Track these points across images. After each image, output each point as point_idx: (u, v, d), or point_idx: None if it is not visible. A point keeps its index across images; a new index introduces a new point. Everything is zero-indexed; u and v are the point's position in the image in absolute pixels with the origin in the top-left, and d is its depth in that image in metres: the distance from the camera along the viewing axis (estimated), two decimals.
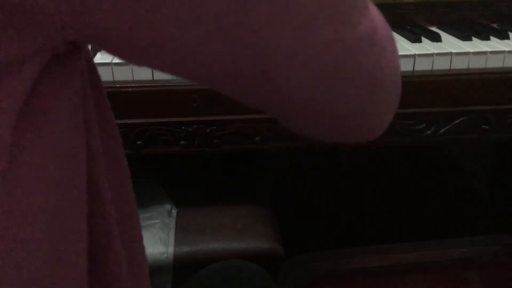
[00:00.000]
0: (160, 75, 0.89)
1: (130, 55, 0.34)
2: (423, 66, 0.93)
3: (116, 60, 0.89)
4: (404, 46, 0.96)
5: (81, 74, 0.36)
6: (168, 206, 1.02)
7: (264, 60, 0.33)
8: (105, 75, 0.87)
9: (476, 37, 1.00)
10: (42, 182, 0.32)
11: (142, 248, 0.48)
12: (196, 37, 0.31)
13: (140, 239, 0.47)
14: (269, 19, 0.32)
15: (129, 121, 0.89)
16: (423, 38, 1.00)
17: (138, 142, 0.90)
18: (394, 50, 0.40)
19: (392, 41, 0.40)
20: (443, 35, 1.02)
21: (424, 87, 0.92)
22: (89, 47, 0.38)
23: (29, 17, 0.29)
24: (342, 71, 0.36)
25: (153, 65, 0.35)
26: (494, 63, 0.94)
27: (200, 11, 0.30)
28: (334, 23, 0.34)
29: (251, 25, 0.31)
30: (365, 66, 0.36)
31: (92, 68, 0.40)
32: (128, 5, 0.30)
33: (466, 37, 0.99)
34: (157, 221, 0.98)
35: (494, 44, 0.97)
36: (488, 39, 0.99)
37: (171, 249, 0.92)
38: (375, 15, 0.38)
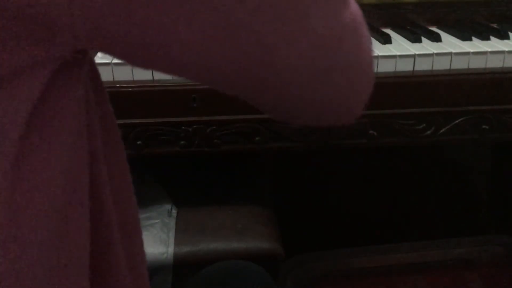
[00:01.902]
0: (160, 75, 0.89)
1: (137, 60, 0.36)
2: (423, 66, 0.93)
3: (116, 60, 0.89)
4: (404, 46, 0.96)
5: (85, 79, 0.37)
6: (168, 206, 1.02)
7: (264, 56, 0.35)
8: (105, 75, 0.87)
9: (476, 37, 1.00)
10: (47, 184, 0.33)
11: (142, 252, 0.48)
12: (201, 38, 0.33)
13: (140, 244, 0.48)
14: (270, 19, 0.34)
15: (129, 121, 0.89)
16: (423, 38, 1.00)
17: (138, 142, 0.90)
18: (367, 34, 0.43)
19: (365, 26, 0.43)
20: (443, 35, 1.02)
21: (424, 87, 0.92)
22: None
23: (44, 27, 0.29)
24: (331, 59, 0.38)
25: (158, 68, 0.37)
26: (494, 63, 0.94)
27: (206, 14, 0.32)
28: (325, 16, 0.36)
29: (253, 26, 0.33)
30: (349, 51, 0.39)
31: (95, 73, 0.41)
32: (140, 11, 0.31)
33: (466, 37, 0.99)
34: (157, 221, 0.98)
35: (494, 44, 0.97)
36: (488, 39, 0.99)
37: (171, 249, 0.92)
38: (353, 3, 0.41)
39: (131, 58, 0.36)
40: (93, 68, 0.40)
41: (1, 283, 0.31)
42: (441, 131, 0.94)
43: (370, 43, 0.43)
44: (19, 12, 0.29)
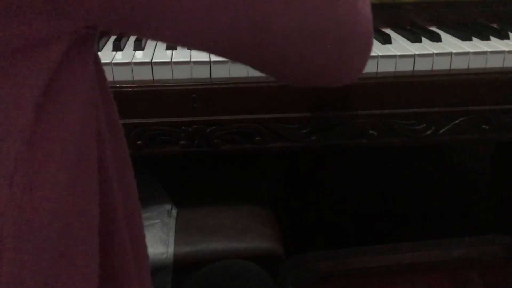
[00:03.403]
0: (160, 75, 0.89)
1: (144, 31, 0.37)
2: (423, 66, 0.93)
3: (116, 60, 0.89)
4: (404, 46, 0.96)
5: (94, 57, 0.39)
6: (168, 206, 1.02)
7: (261, 21, 0.37)
8: None
9: (476, 37, 1.00)
10: (60, 156, 0.34)
11: (142, 233, 0.49)
12: (204, 5, 0.35)
13: (142, 237, 0.48)
14: None
15: (129, 121, 0.89)
16: (423, 38, 1.00)
17: (138, 142, 0.90)
18: None
19: None
20: (443, 35, 1.02)
21: (424, 87, 0.92)
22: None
23: (61, 1, 0.31)
24: (324, 23, 0.40)
25: (164, 38, 0.39)
26: (494, 63, 0.94)
27: None
28: None
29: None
30: (343, 15, 0.41)
31: (97, 59, 0.42)
32: None
33: (466, 37, 0.99)
34: (157, 221, 0.98)
35: (494, 44, 0.97)
36: (488, 39, 0.99)
37: (171, 249, 0.92)
38: None
39: (138, 29, 0.37)
40: (96, 55, 0.42)
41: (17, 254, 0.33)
42: (441, 131, 0.94)
43: (367, 2, 0.44)
44: None
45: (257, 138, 0.92)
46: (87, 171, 0.38)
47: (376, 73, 0.92)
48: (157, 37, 0.38)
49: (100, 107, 0.41)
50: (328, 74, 0.45)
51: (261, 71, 0.45)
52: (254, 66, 0.44)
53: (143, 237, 0.49)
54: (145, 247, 0.49)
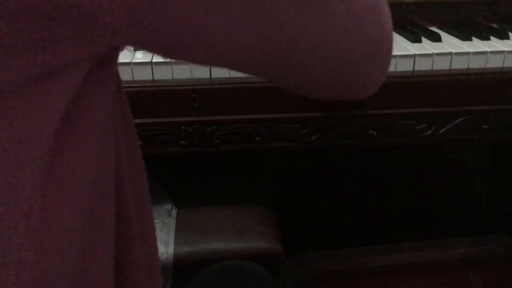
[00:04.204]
0: (160, 75, 0.89)
1: (170, 52, 0.37)
2: (423, 66, 0.93)
3: None
4: (404, 46, 0.96)
5: (115, 75, 0.38)
6: (168, 206, 1.02)
7: (287, 41, 0.37)
8: None
9: (476, 37, 1.00)
10: (78, 182, 0.34)
11: (155, 247, 0.49)
12: (231, 28, 0.34)
13: (154, 239, 0.49)
14: (293, 8, 0.35)
15: None
16: (423, 38, 1.00)
17: (138, 142, 0.90)
18: (387, 9, 0.43)
19: (385, 2, 0.43)
20: (443, 35, 1.02)
21: (424, 87, 0.92)
22: None
23: (87, 26, 0.30)
24: (351, 39, 0.40)
25: (189, 58, 0.38)
26: (494, 63, 0.94)
27: (236, 5, 0.34)
28: (346, 1, 0.38)
29: (277, 15, 0.35)
30: (369, 30, 0.40)
31: (118, 78, 0.41)
32: (177, 5, 0.32)
33: (466, 37, 0.99)
34: (157, 221, 0.98)
35: (494, 44, 0.97)
36: (488, 39, 0.99)
37: (171, 249, 0.92)
38: None
39: (164, 51, 0.37)
40: (117, 74, 0.41)
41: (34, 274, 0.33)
42: (441, 131, 0.94)
43: (390, 17, 0.43)
44: (66, 12, 0.29)
45: (257, 138, 0.92)
46: (104, 196, 0.37)
47: None
48: (182, 57, 0.38)
49: (119, 128, 0.40)
50: (351, 89, 0.45)
51: (282, 86, 0.45)
52: (275, 81, 0.44)
53: (156, 252, 0.49)
54: (158, 261, 0.49)
